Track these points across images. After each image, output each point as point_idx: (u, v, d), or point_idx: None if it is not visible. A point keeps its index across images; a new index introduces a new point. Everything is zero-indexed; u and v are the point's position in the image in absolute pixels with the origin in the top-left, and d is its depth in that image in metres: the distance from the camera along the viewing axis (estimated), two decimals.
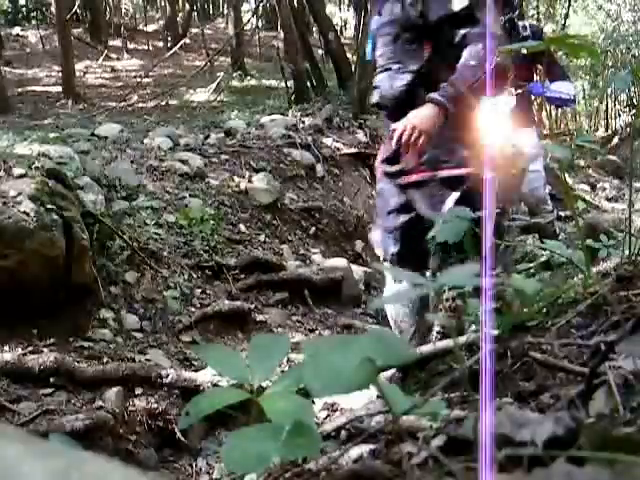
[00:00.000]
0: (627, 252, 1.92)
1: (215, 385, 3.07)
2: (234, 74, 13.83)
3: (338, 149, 7.59)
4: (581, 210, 7.55)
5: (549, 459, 0.80)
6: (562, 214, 7.07)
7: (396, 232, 3.18)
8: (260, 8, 16.95)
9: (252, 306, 4.37)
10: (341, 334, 4.35)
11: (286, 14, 10.08)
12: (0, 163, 3.77)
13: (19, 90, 12.35)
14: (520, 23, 4.66)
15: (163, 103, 11.22)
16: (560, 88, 4.33)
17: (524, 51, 4.36)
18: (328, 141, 7.62)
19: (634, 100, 17.20)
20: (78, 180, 4.46)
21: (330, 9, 19.92)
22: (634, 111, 16.84)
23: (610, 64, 16.64)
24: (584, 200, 8.70)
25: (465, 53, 2.95)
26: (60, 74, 12.14)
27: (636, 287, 1.59)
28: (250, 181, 6.08)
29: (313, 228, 6.08)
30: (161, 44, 18.60)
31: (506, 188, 4.30)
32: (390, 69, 3.10)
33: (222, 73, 12.82)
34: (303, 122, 7.87)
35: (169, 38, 18.40)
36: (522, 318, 1.71)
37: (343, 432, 1.53)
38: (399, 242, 3.17)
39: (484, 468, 0.80)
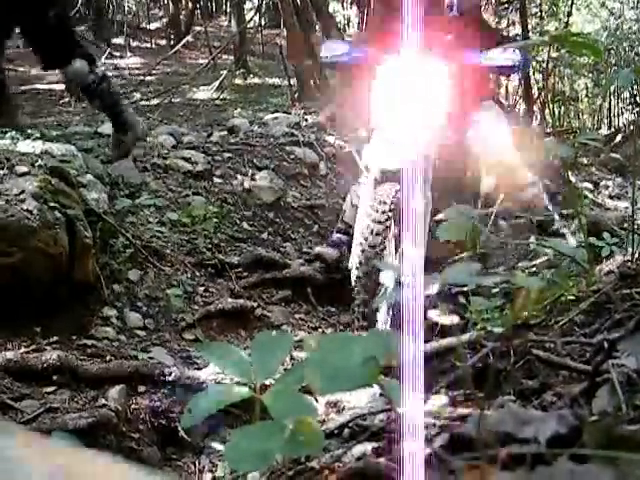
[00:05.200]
0: (630, 250, 1.92)
1: (218, 383, 3.07)
2: (237, 72, 13.82)
3: (341, 147, 7.58)
4: (584, 208, 7.53)
5: (552, 457, 0.80)
6: (564, 212, 7.06)
7: None
8: (263, 6, 16.95)
9: (255, 304, 4.37)
10: (344, 332, 4.35)
11: (289, 12, 10.08)
12: (3, 161, 3.77)
13: (22, 88, 12.35)
14: None
15: (166, 101, 11.20)
16: (499, 56, 3.95)
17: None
18: (331, 139, 7.62)
19: (637, 98, 17.19)
20: (81, 178, 4.45)
21: (333, 7, 19.90)
22: (637, 109, 16.83)
23: (613, 62, 16.61)
24: (587, 198, 8.69)
25: None
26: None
27: (639, 285, 1.59)
28: (253, 179, 6.07)
29: (316, 226, 6.07)
30: (164, 42, 18.60)
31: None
32: None
33: (225, 71, 12.81)
34: (306, 120, 7.87)
35: (172, 36, 18.40)
36: (525, 316, 1.70)
37: (346, 430, 1.53)
38: None
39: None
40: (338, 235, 4.73)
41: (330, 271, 4.70)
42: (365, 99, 4.09)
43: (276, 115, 8.05)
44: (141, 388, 3.16)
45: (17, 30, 5.18)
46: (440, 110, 3.88)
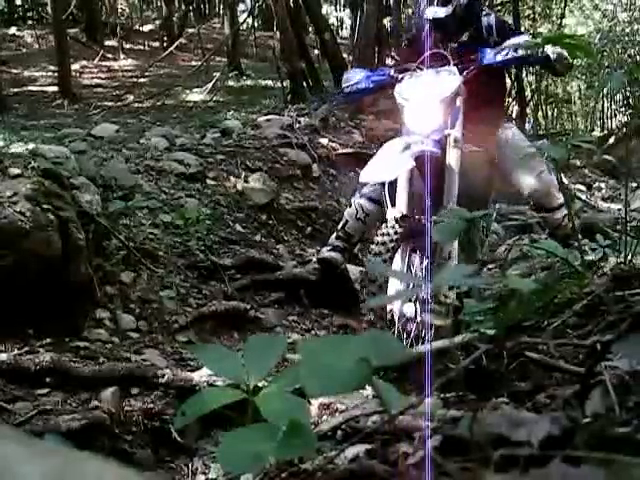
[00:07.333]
0: (623, 252, 1.92)
1: (211, 385, 3.07)
2: (230, 74, 13.84)
3: (334, 149, 7.59)
4: (577, 210, 7.55)
5: (545, 459, 0.81)
6: None
7: None
8: (256, 8, 16.96)
9: (248, 306, 4.36)
10: (337, 334, 4.35)
11: (282, 14, 10.08)
12: None
13: (15, 90, 12.33)
14: (484, 20, 4.14)
15: (159, 103, 11.21)
16: (516, 43, 3.66)
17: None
18: (324, 141, 7.62)
19: (630, 100, 17.24)
20: (74, 180, 4.45)
21: (326, 9, 19.93)
22: (630, 111, 16.88)
23: (606, 64, 16.66)
24: (580, 200, 8.70)
25: None
26: (56, 74, 12.13)
27: (632, 287, 1.59)
28: (246, 181, 6.07)
29: (309, 228, 6.07)
30: (157, 44, 18.59)
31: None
32: None
33: (218, 73, 12.81)
34: (299, 122, 7.87)
35: (165, 38, 18.40)
36: (518, 318, 1.71)
37: (339, 432, 1.53)
38: None
39: None
40: (338, 242, 4.67)
41: (327, 274, 4.68)
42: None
43: (269, 117, 8.05)
44: (134, 390, 3.15)
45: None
46: (460, 115, 3.72)
